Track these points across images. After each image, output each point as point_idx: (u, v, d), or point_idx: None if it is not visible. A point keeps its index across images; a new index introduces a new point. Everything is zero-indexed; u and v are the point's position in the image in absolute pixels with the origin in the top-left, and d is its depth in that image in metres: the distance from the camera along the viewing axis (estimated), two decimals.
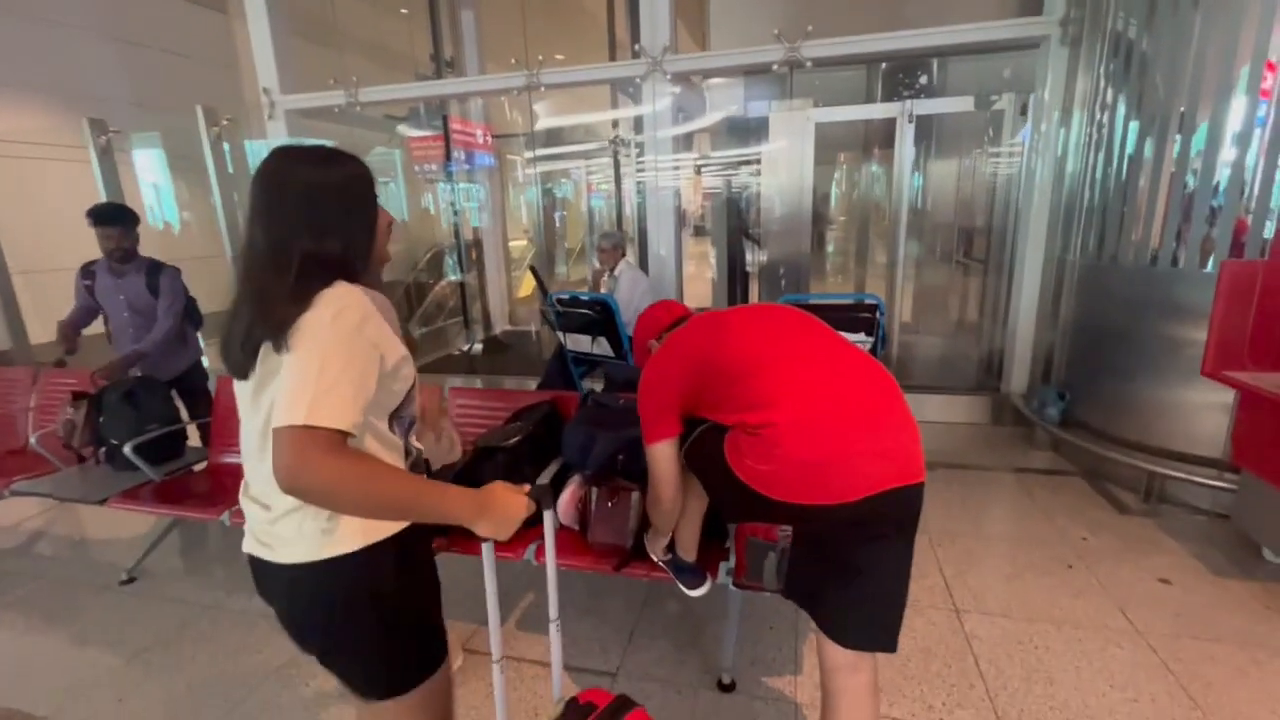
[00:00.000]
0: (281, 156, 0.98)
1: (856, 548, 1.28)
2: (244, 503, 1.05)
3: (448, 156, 6.53)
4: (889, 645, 1.27)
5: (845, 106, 4.43)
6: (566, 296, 3.47)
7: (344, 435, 0.86)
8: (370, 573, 0.99)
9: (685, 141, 4.69)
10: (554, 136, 7.22)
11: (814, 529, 1.35)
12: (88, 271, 2.92)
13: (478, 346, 6.74)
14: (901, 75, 4.55)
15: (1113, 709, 1.74)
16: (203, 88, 6.88)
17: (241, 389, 1.00)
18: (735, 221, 5.93)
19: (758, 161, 4.96)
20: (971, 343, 4.92)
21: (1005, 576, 2.39)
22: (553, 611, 1.36)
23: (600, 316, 3.33)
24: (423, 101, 5.92)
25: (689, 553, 1.74)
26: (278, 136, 4.77)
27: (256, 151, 5.25)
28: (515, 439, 2.15)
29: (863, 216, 5.91)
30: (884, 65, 4.67)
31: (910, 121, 4.10)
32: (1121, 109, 3.01)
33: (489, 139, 6.93)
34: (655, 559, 1.81)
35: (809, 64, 3.68)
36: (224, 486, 2.61)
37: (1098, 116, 3.19)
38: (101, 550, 2.95)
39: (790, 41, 3.63)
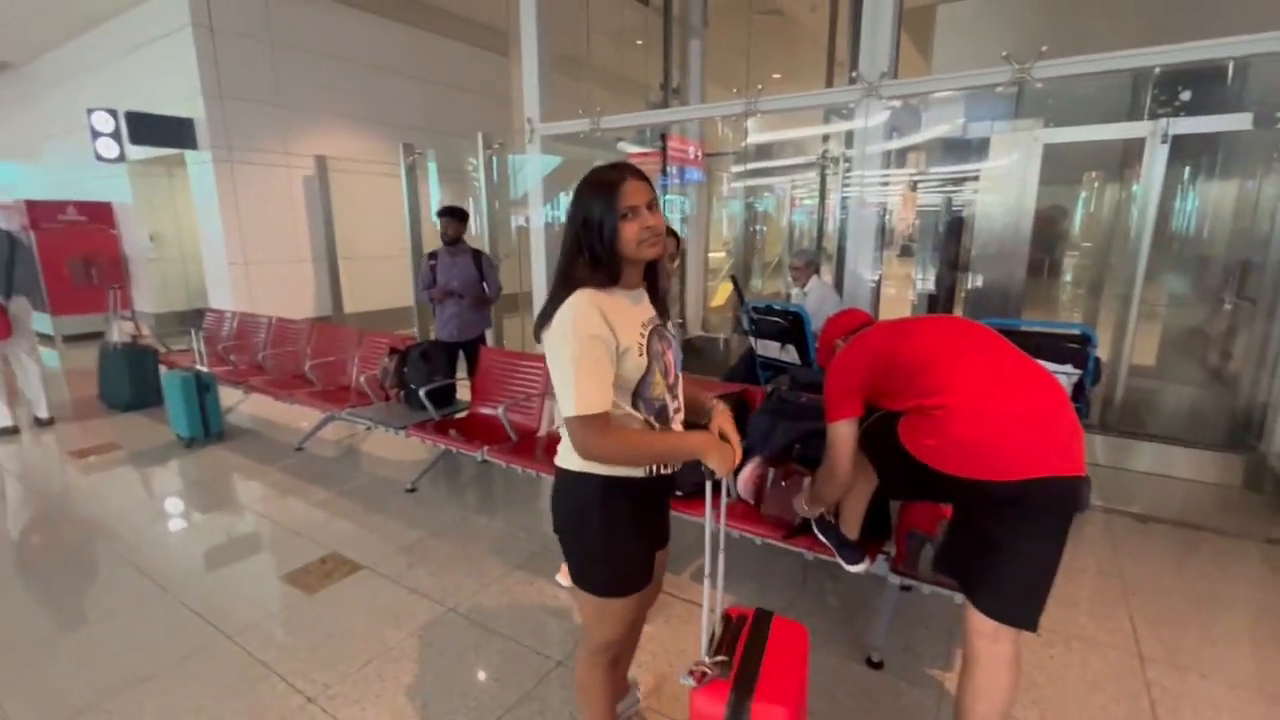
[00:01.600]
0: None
1: (1009, 526, 1.43)
2: None
3: (663, 172, 7.19)
4: (1028, 624, 1.41)
5: (1081, 127, 4.13)
6: (762, 305, 3.79)
7: (607, 414, 1.18)
8: (579, 491, 1.30)
9: (897, 158, 4.72)
10: (762, 152, 7.55)
11: (972, 503, 1.53)
12: (432, 255, 4.01)
13: None
14: (1157, 91, 4.10)
15: None
16: (483, 117, 8.42)
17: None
18: (943, 243, 5.73)
19: (975, 180, 4.81)
20: (1227, 393, 4.24)
21: (1211, 638, 2.20)
22: (708, 567, 1.64)
23: (791, 325, 3.60)
24: (650, 127, 6.62)
25: (852, 530, 1.96)
26: (534, 155, 5.76)
27: (516, 165, 6.36)
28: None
29: (1100, 245, 5.35)
30: (1133, 80, 4.25)
31: (1164, 142, 3.72)
32: None
33: (700, 155, 7.48)
34: (818, 534, 2.05)
35: (1039, 85, 3.56)
36: (482, 430, 3.37)
37: None
38: (393, 466, 3.94)
39: (1020, 63, 3.55)
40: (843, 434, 1.68)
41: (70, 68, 8.36)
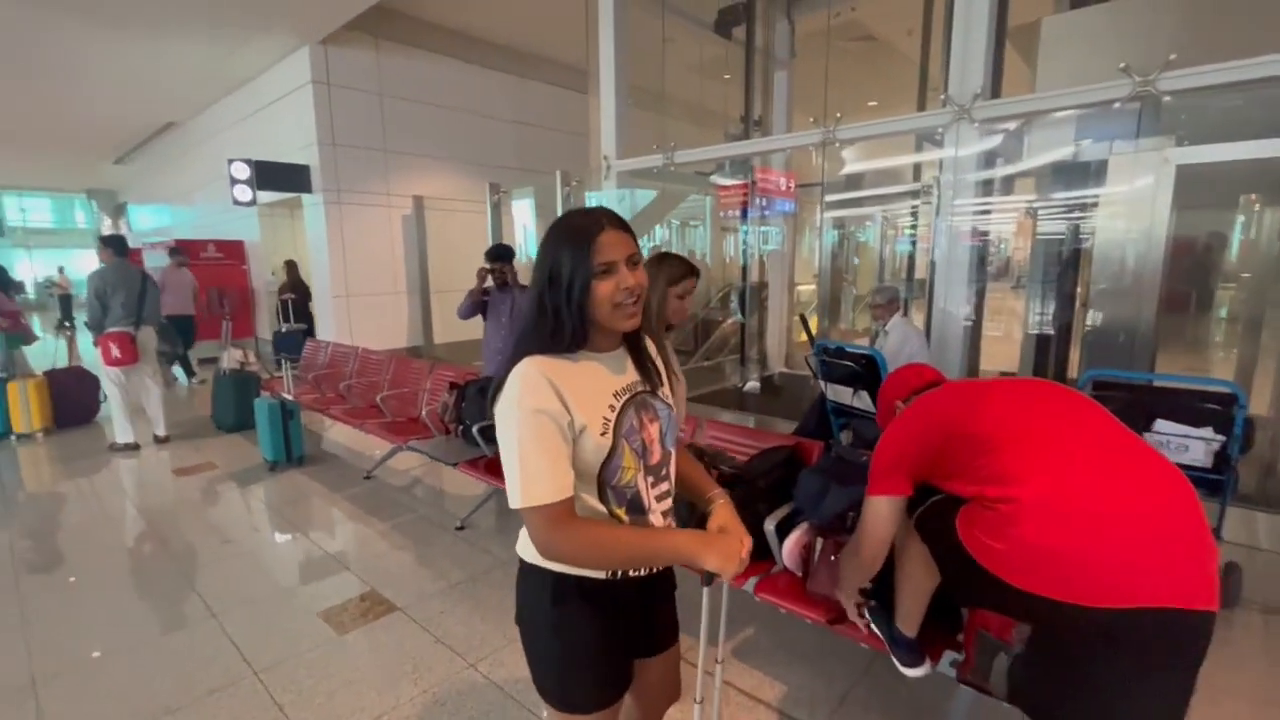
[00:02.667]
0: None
1: (1106, 667, 1.11)
2: None
3: (750, 203, 7.01)
4: None
5: (1226, 144, 3.53)
6: (833, 347, 3.49)
7: (566, 503, 0.97)
8: (530, 585, 1.13)
9: (1004, 184, 4.28)
10: (854, 182, 7.20)
11: (1052, 629, 1.21)
12: (485, 290, 3.96)
13: (753, 384, 7.01)
14: None
15: None
16: (565, 154, 8.66)
17: None
18: (1060, 276, 5.12)
19: (1093, 207, 4.26)
20: None
21: None
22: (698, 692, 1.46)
23: (864, 370, 3.27)
24: (727, 159, 6.49)
25: (909, 625, 1.65)
26: (610, 191, 5.78)
27: (594, 201, 6.43)
28: (755, 476, 2.30)
29: (1261, 278, 4.55)
30: None
31: None
32: None
33: (792, 186, 7.23)
34: (850, 614, 1.75)
35: (1166, 98, 3.08)
36: None
37: None
38: (450, 501, 3.95)
39: (1143, 75, 3.09)
40: (879, 512, 1.42)
41: (218, 124, 9.49)
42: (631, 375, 1.11)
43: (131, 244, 8.56)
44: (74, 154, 13.70)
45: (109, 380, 4.87)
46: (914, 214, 6.33)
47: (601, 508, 1.07)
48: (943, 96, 3.77)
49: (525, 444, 0.96)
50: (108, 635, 2.49)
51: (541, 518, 0.97)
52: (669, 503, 1.17)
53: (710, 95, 8.09)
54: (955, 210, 3.81)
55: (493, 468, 3.31)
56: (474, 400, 3.62)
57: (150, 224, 14.18)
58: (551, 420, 0.97)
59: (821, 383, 3.64)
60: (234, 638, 2.44)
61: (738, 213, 7.19)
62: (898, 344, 3.56)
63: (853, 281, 8.75)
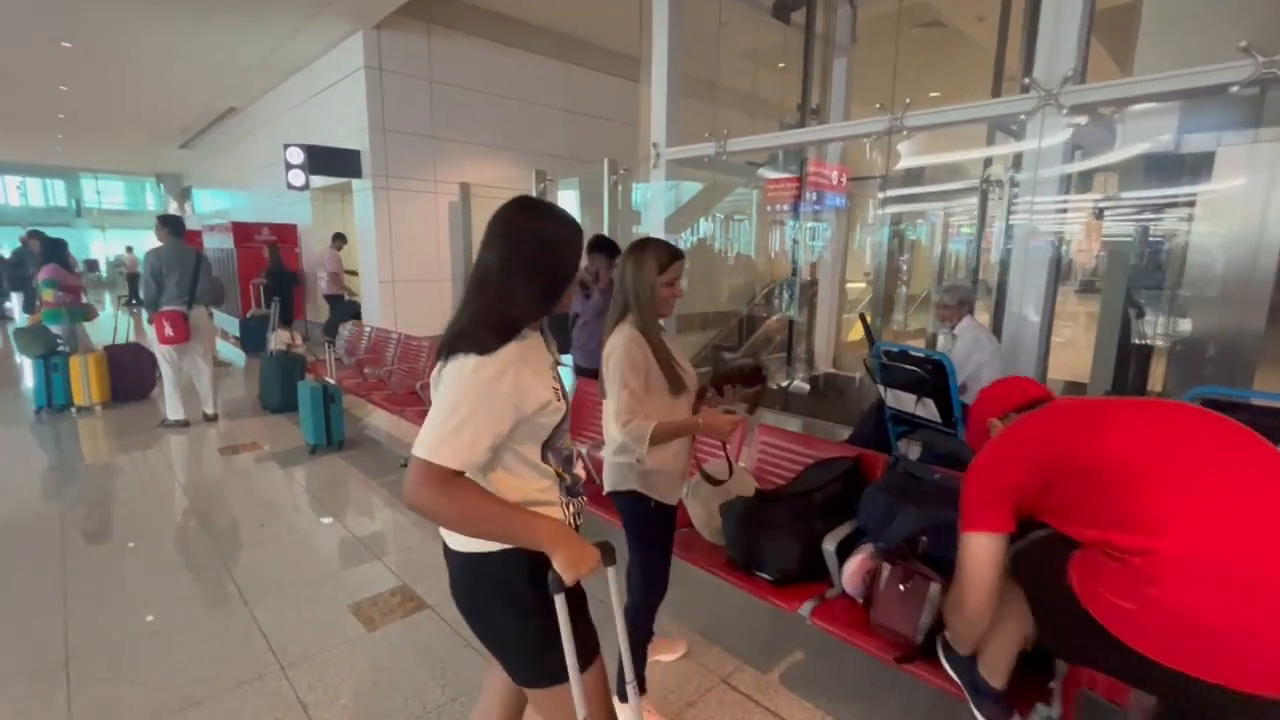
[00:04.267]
0: (518, 207, 1.17)
1: None
2: None
3: (800, 197, 6.73)
4: None
5: None
6: (895, 349, 3.24)
7: (457, 472, 1.02)
8: (498, 574, 1.14)
9: (1081, 180, 3.93)
10: (913, 176, 6.84)
11: (1188, 710, 1.00)
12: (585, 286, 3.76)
13: (799, 385, 6.75)
14: None
15: None
16: (614, 144, 8.52)
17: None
18: (1140, 279, 4.72)
19: (1187, 205, 3.89)
20: None
21: None
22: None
23: (930, 376, 3.02)
24: (782, 149, 6.22)
25: (996, 675, 1.44)
26: (659, 182, 5.60)
27: (641, 193, 6.26)
28: (812, 490, 2.11)
29: None
30: None
31: None
32: None
33: (844, 180, 6.92)
34: (946, 668, 1.55)
35: None
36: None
37: None
38: None
39: (1267, 55, 2.74)
40: (980, 553, 1.21)
41: (274, 110, 9.69)
42: (543, 343, 1.21)
43: (191, 226, 8.81)
44: (144, 138, 14.28)
45: (162, 358, 4.96)
46: (979, 210, 5.94)
47: (549, 469, 1.17)
48: (1025, 80, 3.46)
49: (464, 406, 1.02)
50: (142, 616, 2.47)
51: (436, 475, 1.01)
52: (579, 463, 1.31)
53: (763, 85, 7.81)
54: (1035, 206, 3.49)
55: None
56: None
57: (212, 207, 14.69)
58: (507, 400, 1.05)
59: (880, 388, 3.40)
60: (264, 627, 2.39)
61: (786, 207, 6.92)
62: (967, 349, 3.28)
63: (906, 280, 8.36)
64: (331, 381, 4.57)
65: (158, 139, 14.29)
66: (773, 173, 6.86)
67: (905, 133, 3.98)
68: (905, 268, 8.31)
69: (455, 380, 1.04)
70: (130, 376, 5.82)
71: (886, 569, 1.81)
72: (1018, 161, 5.10)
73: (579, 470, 1.29)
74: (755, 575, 2.03)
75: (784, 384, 6.88)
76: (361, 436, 4.95)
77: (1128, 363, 4.47)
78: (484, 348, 1.05)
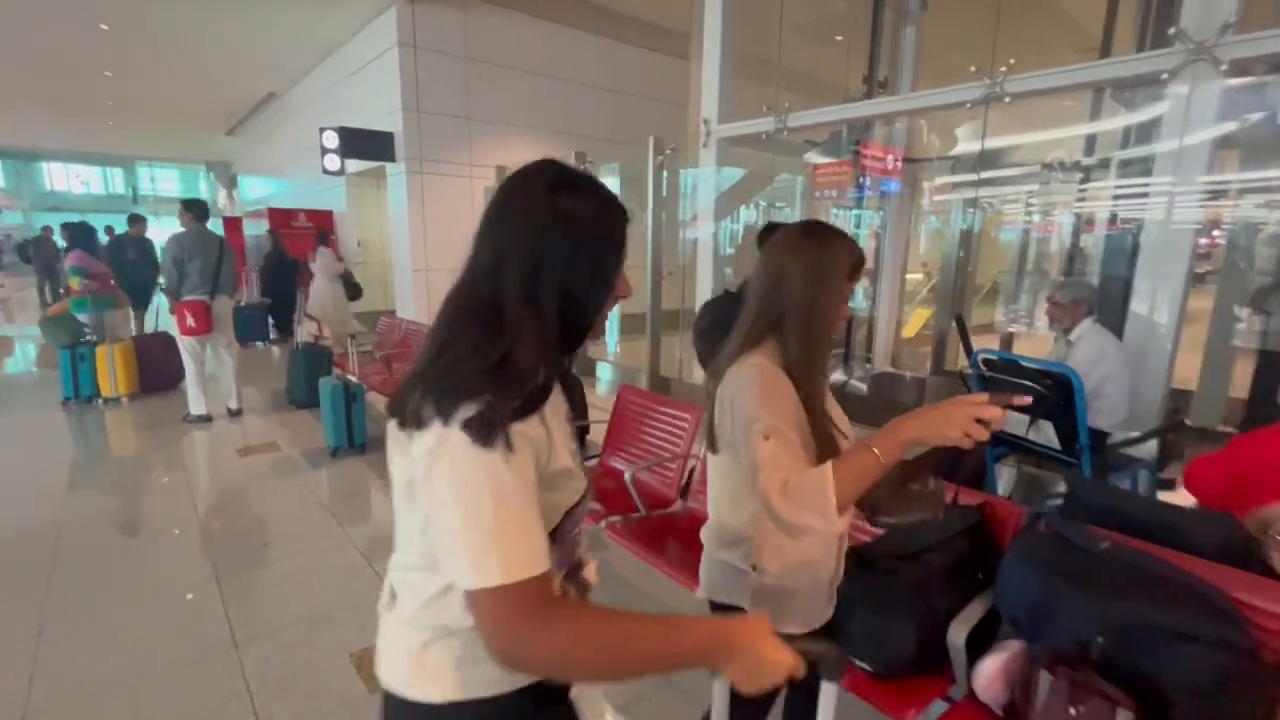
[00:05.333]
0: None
1: None
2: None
3: (856, 183, 6.15)
4: None
5: None
6: (1002, 358, 2.69)
7: (547, 576, 0.66)
8: None
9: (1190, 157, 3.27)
10: (989, 158, 6.16)
11: None
12: None
13: (855, 384, 6.18)
14: None
15: None
16: (660, 125, 8.01)
17: (394, 444, 0.74)
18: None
19: None
20: None
21: None
22: None
23: (1051, 394, 2.47)
24: (847, 124, 5.63)
25: None
26: (708, 164, 5.09)
27: (687, 179, 5.77)
28: (927, 549, 1.61)
29: None
30: None
31: None
32: None
33: (899, 164, 6.29)
34: None
35: None
36: (610, 487, 2.72)
37: None
38: None
39: None
40: None
41: (311, 94, 9.49)
42: (560, 396, 0.80)
43: (233, 213, 8.66)
44: (191, 125, 14.41)
45: (184, 349, 4.73)
46: (1079, 192, 5.26)
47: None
48: (1172, 30, 2.83)
49: (505, 486, 0.64)
50: (119, 657, 2.15)
51: (523, 601, 0.64)
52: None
53: (821, 62, 7.18)
54: (1179, 184, 2.87)
55: None
56: None
57: (257, 194, 14.77)
58: (532, 450, 0.68)
59: None
60: (251, 681, 2.04)
61: (846, 192, 6.33)
62: (1091, 358, 2.70)
63: (973, 271, 7.68)
64: (354, 379, 4.24)
65: (204, 126, 14.40)
66: (823, 157, 6.28)
67: (1007, 99, 3.38)
68: (972, 257, 7.63)
69: (455, 461, 0.65)
70: (160, 366, 5.64)
71: (1046, 679, 1.31)
72: (1127, 137, 4.43)
73: (589, 575, 0.87)
74: (850, 663, 1.56)
75: (841, 381, 6.31)
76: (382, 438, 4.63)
77: (1274, 369, 3.82)
78: (482, 388, 0.66)
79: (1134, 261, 3.24)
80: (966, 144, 5.80)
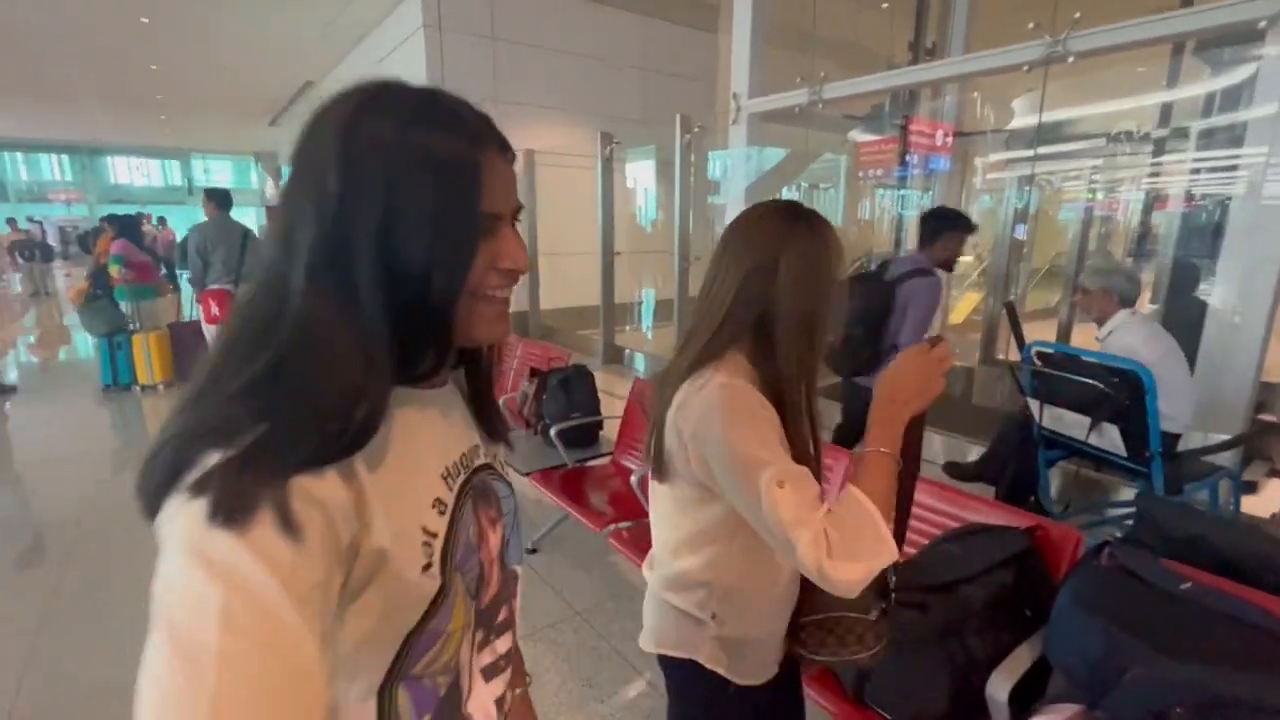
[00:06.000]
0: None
1: None
2: None
3: (901, 161, 5.78)
4: None
5: None
6: (1059, 352, 2.39)
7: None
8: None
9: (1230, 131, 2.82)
10: (1048, 130, 5.69)
11: None
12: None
13: None
14: None
15: None
16: (693, 103, 7.72)
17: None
18: None
19: None
20: None
21: None
22: None
23: (1116, 392, 2.16)
24: (892, 93, 5.24)
25: None
26: (737, 144, 4.81)
27: (717, 162, 5.50)
28: (964, 580, 1.38)
29: None
30: None
31: None
32: None
33: (949, 140, 5.86)
34: None
35: None
36: (620, 489, 2.56)
37: None
38: (533, 507, 3.22)
39: None
40: None
41: (344, 81, 9.47)
42: (468, 433, 0.60)
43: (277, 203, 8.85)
44: (238, 117, 14.75)
45: (210, 338, 4.77)
46: (1152, 166, 4.79)
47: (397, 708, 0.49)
48: None
49: (251, 607, 0.37)
50: (114, 663, 2.11)
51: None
52: (503, 682, 0.62)
53: (863, 29, 6.74)
54: (1276, 155, 2.48)
55: (569, 484, 2.63)
56: (556, 394, 2.94)
57: None
58: (322, 526, 0.40)
59: (1030, 401, 2.56)
60: None
61: (892, 171, 5.97)
62: (1136, 351, 2.35)
63: (1028, 254, 7.20)
64: None
65: (249, 117, 14.71)
66: (867, 134, 5.91)
67: (1070, 58, 3.01)
68: (1028, 237, 7.14)
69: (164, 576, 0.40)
70: (195, 354, 5.75)
71: None
72: (1210, 104, 3.97)
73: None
74: (870, 711, 1.35)
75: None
76: None
77: None
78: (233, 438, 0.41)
79: (1215, 242, 2.85)
80: (1024, 117, 5.36)
